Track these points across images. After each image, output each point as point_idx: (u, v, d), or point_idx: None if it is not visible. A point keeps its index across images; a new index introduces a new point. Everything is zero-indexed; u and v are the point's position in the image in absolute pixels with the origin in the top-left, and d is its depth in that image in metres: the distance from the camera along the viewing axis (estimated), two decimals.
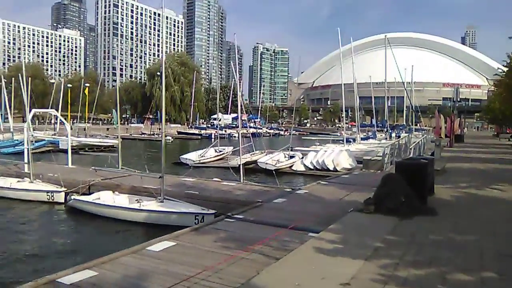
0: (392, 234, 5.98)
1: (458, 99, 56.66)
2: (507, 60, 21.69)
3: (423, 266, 4.48)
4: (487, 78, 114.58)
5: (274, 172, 18.10)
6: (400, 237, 5.83)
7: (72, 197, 12.53)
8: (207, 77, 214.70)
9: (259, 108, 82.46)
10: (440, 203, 8.14)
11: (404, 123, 55.59)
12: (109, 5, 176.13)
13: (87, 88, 46.59)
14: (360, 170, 18.41)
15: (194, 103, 68.20)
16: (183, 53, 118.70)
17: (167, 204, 11.27)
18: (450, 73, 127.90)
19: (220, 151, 25.65)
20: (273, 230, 7.29)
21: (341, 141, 33.39)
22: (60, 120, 28.82)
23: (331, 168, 20.15)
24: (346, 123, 65.62)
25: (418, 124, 60.92)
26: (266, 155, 23.37)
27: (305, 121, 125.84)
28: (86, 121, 50.07)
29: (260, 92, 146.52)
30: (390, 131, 44.13)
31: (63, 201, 13.11)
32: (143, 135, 57.58)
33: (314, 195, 11.29)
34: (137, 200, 11.79)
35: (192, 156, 24.18)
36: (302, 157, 22.56)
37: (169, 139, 54.87)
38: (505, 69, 22.28)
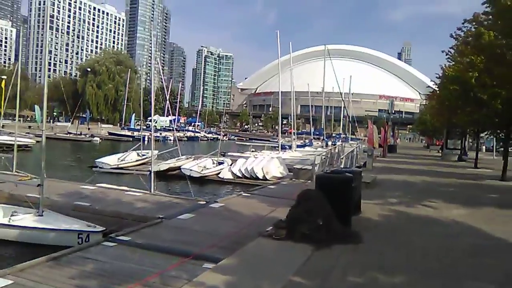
0: (300, 273, 4.45)
1: (393, 111, 58.55)
2: (439, 73, 21.50)
3: None
4: (419, 93, 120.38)
5: (195, 179, 16.37)
6: (310, 278, 4.31)
7: None
8: (148, 77, 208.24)
9: (198, 112, 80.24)
10: (366, 224, 6.81)
11: (341, 132, 56.06)
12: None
13: (3, 81, 41.89)
14: (290, 179, 17.15)
15: (128, 103, 64.51)
16: (119, 51, 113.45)
17: (46, 218, 9.07)
18: (386, 86, 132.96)
19: (143, 155, 23.32)
20: (161, 259, 5.58)
21: (276, 148, 32.31)
22: None
23: (260, 176, 18.69)
24: (285, 130, 65.69)
25: (355, 134, 61.98)
26: (193, 160, 21.49)
27: (246, 126, 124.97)
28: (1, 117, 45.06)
29: (202, 96, 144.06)
30: (326, 139, 43.89)
31: None
32: (69, 135, 53.26)
33: (231, 210, 9.64)
34: (13, 212, 9.47)
35: (110, 160, 21.67)
36: (232, 164, 20.93)
37: (97, 140, 51.21)
38: (437, 81, 22.15)
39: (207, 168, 20.27)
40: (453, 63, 17.79)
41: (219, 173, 19.95)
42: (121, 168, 20.66)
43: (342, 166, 15.66)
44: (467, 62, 15.29)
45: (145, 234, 7.21)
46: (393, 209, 8.38)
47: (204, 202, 10.80)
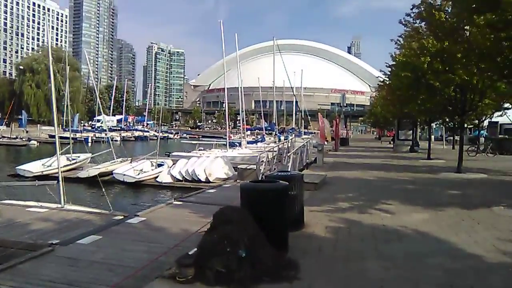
0: None
1: (345, 104, 58.64)
2: (389, 63, 20.56)
3: None
4: (370, 86, 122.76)
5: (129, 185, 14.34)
6: None
7: None
8: (96, 76, 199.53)
9: (147, 110, 76.99)
10: (308, 246, 5.25)
11: (294, 126, 55.25)
12: None
13: None
14: (234, 181, 15.51)
15: (71, 103, 60.23)
16: (59, 47, 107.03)
17: None
18: (337, 80, 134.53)
19: (73, 160, 20.80)
20: None
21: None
22: None
23: (202, 178, 16.87)
24: (239, 126, 64.09)
25: (308, 128, 61.49)
26: (129, 163, 19.32)
27: (199, 124, 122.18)
28: None
29: (153, 94, 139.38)
30: (279, 134, 42.67)
31: None
32: (2, 139, 48.71)
33: (152, 226, 7.80)
34: None
35: (33, 167, 19.05)
36: (172, 166, 18.97)
37: (34, 144, 47.17)
38: (387, 70, 21.22)
39: (144, 172, 18.20)
40: (403, 50, 16.77)
41: (157, 177, 17.94)
42: (26, 178, 18.01)
43: (290, 164, 14.19)
44: (417, 47, 14.25)
45: (20, 272, 5.29)
46: (344, 218, 6.89)
47: (122, 217, 8.87)
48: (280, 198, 4.86)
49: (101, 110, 38.20)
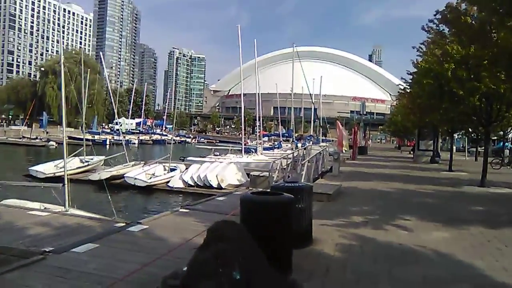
0: None
1: (365, 113, 57.60)
2: (410, 70, 19.85)
3: None
4: (390, 94, 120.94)
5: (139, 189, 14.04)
6: None
7: None
8: (118, 79, 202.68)
9: (165, 113, 77.39)
10: (315, 266, 4.75)
11: (312, 133, 54.53)
12: None
13: None
14: (247, 188, 15.06)
15: (88, 105, 61.02)
16: (81, 50, 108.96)
17: None
18: (358, 88, 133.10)
19: (87, 161, 20.71)
20: None
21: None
22: None
23: (214, 184, 16.48)
24: (255, 132, 63.69)
25: (327, 135, 60.68)
26: (141, 167, 19.09)
27: (218, 129, 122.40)
28: None
29: (174, 98, 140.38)
30: (296, 141, 42.06)
31: None
32: (22, 139, 49.54)
33: (154, 235, 7.41)
34: None
35: (46, 168, 19.01)
36: (185, 170, 18.64)
37: (53, 145, 47.74)
38: (408, 77, 20.46)
39: (156, 176, 17.93)
40: (426, 57, 16.07)
41: (169, 181, 17.63)
42: (34, 177, 17.97)
43: (304, 173, 13.66)
44: (441, 54, 13.59)
45: (5, 282, 4.95)
46: (356, 234, 6.35)
47: (123, 224, 8.48)
48: (284, 213, 4.38)
49: (115, 113, 38.09)
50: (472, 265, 4.95)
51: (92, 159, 21.37)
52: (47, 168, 19.01)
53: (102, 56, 40.35)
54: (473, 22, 10.08)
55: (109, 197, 11.11)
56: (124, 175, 17.48)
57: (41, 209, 9.98)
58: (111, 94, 42.34)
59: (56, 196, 10.51)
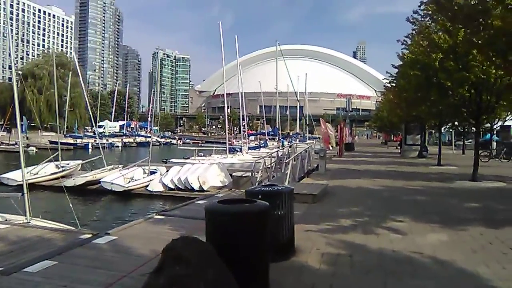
0: None
1: (350, 109, 57.31)
2: (395, 63, 19.32)
3: None
4: (375, 90, 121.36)
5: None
6: None
7: None
8: (102, 81, 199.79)
9: (149, 115, 76.13)
10: (297, 284, 4.05)
11: (298, 131, 54.07)
12: None
13: None
14: (229, 190, 14.33)
15: (70, 108, 59.66)
16: (62, 53, 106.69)
17: None
18: (343, 85, 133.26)
19: (62, 167, 19.71)
20: None
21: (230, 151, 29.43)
22: None
23: (195, 187, 15.69)
24: (244, 131, 63.00)
25: (314, 133, 60.31)
26: (119, 170, 18.19)
27: (204, 129, 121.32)
28: None
29: (158, 99, 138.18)
30: (282, 139, 41.44)
31: None
32: (0, 145, 47.97)
33: (121, 247, 6.61)
34: None
35: (18, 175, 17.93)
36: (165, 173, 17.80)
37: (32, 150, 46.29)
38: (394, 71, 19.92)
39: (135, 180, 17.07)
40: (412, 48, 15.49)
41: (148, 185, 16.79)
42: (42, 182, 17.11)
43: (288, 172, 12.98)
44: (427, 44, 13.03)
45: None
46: (345, 241, 5.67)
47: (89, 236, 7.66)
48: (259, 223, 3.66)
49: (91, 117, 36.82)
50: (476, 274, 4.30)
51: (68, 163, 20.38)
52: (18, 175, 17.93)
53: (76, 59, 38.86)
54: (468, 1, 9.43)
55: (71, 205, 10.22)
56: (100, 180, 16.59)
57: (2, 221, 9.12)
58: (86, 96, 40.89)
59: (16, 206, 9.62)
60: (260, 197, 4.36)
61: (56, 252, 6.35)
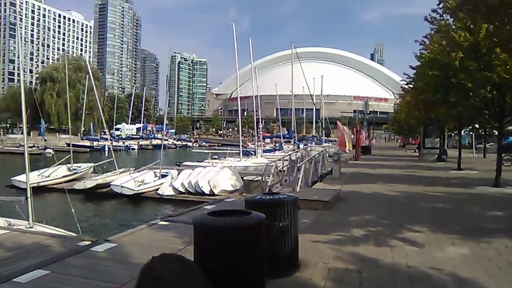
0: None
1: (368, 112, 56.50)
2: (413, 65, 18.67)
3: None
4: (393, 92, 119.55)
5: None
6: None
7: None
8: (120, 85, 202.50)
9: (165, 118, 76.50)
10: None
11: (314, 134, 53.45)
12: (4, 3, 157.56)
13: None
14: (240, 194, 13.93)
15: (87, 111, 60.34)
16: (79, 56, 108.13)
17: None
18: (360, 87, 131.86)
19: (74, 169, 19.65)
20: None
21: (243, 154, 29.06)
22: None
23: (206, 191, 15.34)
24: (256, 134, 62.66)
25: (330, 135, 59.55)
26: (131, 174, 18.00)
27: (220, 132, 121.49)
28: None
29: (176, 102, 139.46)
30: (298, 142, 40.90)
31: None
32: (19, 148, 48.59)
33: (119, 256, 6.26)
34: None
35: (30, 177, 17.92)
36: (176, 176, 17.52)
37: (50, 153, 46.78)
38: (411, 72, 19.25)
39: (146, 183, 16.84)
40: (431, 47, 14.87)
41: (158, 189, 16.52)
42: (53, 185, 17.05)
43: (300, 176, 12.52)
44: (447, 43, 12.43)
45: None
46: (355, 254, 5.20)
47: (89, 243, 7.37)
48: (253, 238, 3.25)
49: (103, 120, 36.76)
50: None
51: (80, 166, 20.33)
52: (30, 178, 17.93)
53: (88, 63, 38.90)
54: None
55: (72, 209, 9.97)
56: (110, 183, 16.40)
57: (4, 226, 8.93)
58: (98, 100, 40.95)
59: (20, 211, 9.42)
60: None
61: (50, 261, 6.06)
